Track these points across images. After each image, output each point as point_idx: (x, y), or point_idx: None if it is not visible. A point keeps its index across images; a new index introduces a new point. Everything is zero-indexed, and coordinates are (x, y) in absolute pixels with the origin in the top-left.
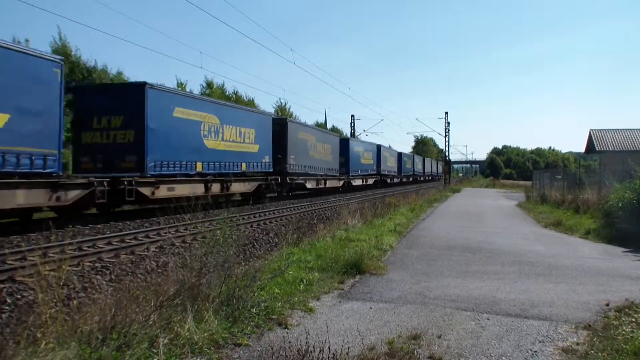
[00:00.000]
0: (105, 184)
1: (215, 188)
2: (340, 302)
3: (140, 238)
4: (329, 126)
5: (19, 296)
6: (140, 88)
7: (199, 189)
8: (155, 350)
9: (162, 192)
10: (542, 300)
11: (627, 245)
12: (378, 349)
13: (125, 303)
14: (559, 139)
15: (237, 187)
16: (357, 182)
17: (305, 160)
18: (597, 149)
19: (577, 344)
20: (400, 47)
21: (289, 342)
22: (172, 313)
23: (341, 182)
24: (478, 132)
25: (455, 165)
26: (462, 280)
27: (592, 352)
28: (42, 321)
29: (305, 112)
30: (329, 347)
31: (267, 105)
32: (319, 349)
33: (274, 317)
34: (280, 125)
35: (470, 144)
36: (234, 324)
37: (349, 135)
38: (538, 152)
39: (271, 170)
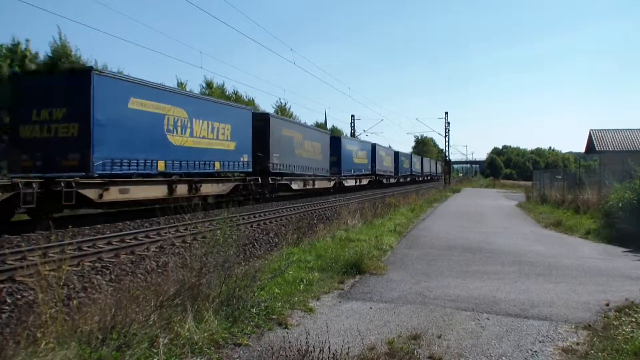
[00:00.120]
0: (35, 185)
1: (182, 190)
2: (340, 302)
3: (140, 238)
4: (329, 126)
5: (19, 296)
6: (85, 74)
7: (160, 191)
8: (155, 350)
9: (113, 194)
10: (542, 300)
11: (627, 245)
12: (378, 349)
13: (125, 303)
14: (559, 139)
15: (208, 189)
16: (350, 182)
17: (290, 159)
18: (597, 149)
19: (577, 344)
20: (400, 46)
21: (289, 342)
22: (172, 313)
23: (332, 183)
24: (478, 132)
25: (455, 165)
26: (462, 280)
27: (592, 352)
28: (42, 321)
29: (305, 112)
30: (329, 347)
31: (267, 105)
32: (319, 349)
33: (274, 317)
34: (262, 121)
35: (470, 144)
36: (234, 324)
37: (349, 135)
38: (538, 152)
39: (251, 170)
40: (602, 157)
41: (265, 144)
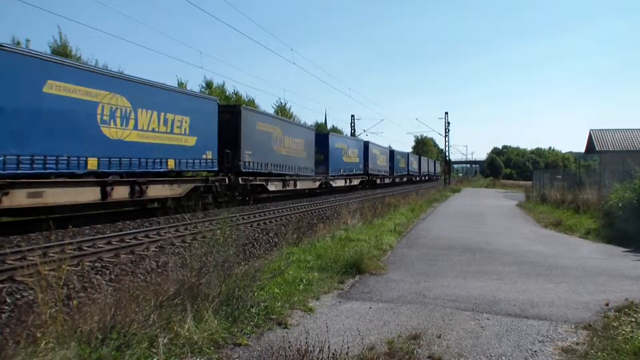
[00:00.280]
0: None
1: (121, 193)
2: (340, 302)
3: (140, 238)
4: (329, 126)
5: (18, 296)
6: None
7: (90, 194)
8: (155, 350)
9: (18, 199)
10: (542, 300)
11: (627, 245)
12: (378, 348)
13: (125, 303)
14: (559, 139)
15: (157, 191)
16: (339, 183)
17: (267, 157)
18: (597, 149)
19: (577, 343)
20: (401, 46)
21: (289, 342)
22: (172, 313)
23: (317, 184)
24: (478, 132)
25: (455, 165)
26: (462, 280)
27: (592, 352)
28: (42, 321)
29: (306, 112)
30: (328, 347)
31: (267, 105)
32: (318, 349)
33: (273, 317)
34: (232, 113)
35: (470, 144)
36: (234, 324)
37: (349, 135)
38: (538, 152)
39: (216, 169)
40: (602, 157)
41: (235, 139)
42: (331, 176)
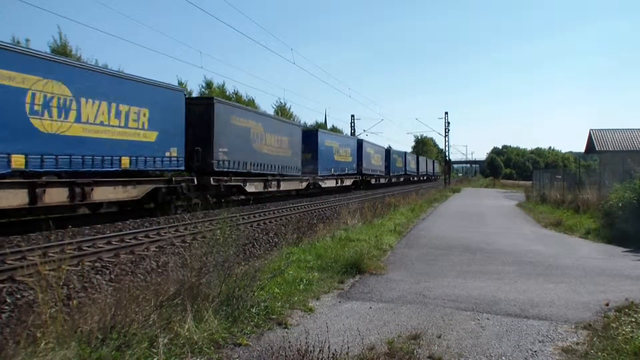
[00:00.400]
0: None
1: (57, 196)
2: (340, 301)
3: (140, 238)
4: (329, 126)
5: (18, 296)
6: None
7: (15, 197)
8: (155, 350)
9: None
10: (542, 300)
11: (627, 245)
12: (378, 348)
13: (125, 303)
14: (559, 139)
15: (105, 194)
16: (329, 183)
17: (245, 155)
18: (597, 149)
19: (577, 343)
20: (401, 46)
21: (289, 342)
22: (172, 313)
23: (304, 184)
24: (478, 132)
25: (455, 165)
26: (462, 280)
27: (592, 352)
28: (42, 321)
29: (305, 112)
30: (328, 347)
31: (267, 105)
32: (318, 349)
33: (273, 317)
34: (204, 106)
35: (470, 144)
36: (234, 324)
37: (349, 134)
38: (538, 152)
39: (183, 168)
40: (602, 157)
41: (208, 135)
42: (320, 176)
